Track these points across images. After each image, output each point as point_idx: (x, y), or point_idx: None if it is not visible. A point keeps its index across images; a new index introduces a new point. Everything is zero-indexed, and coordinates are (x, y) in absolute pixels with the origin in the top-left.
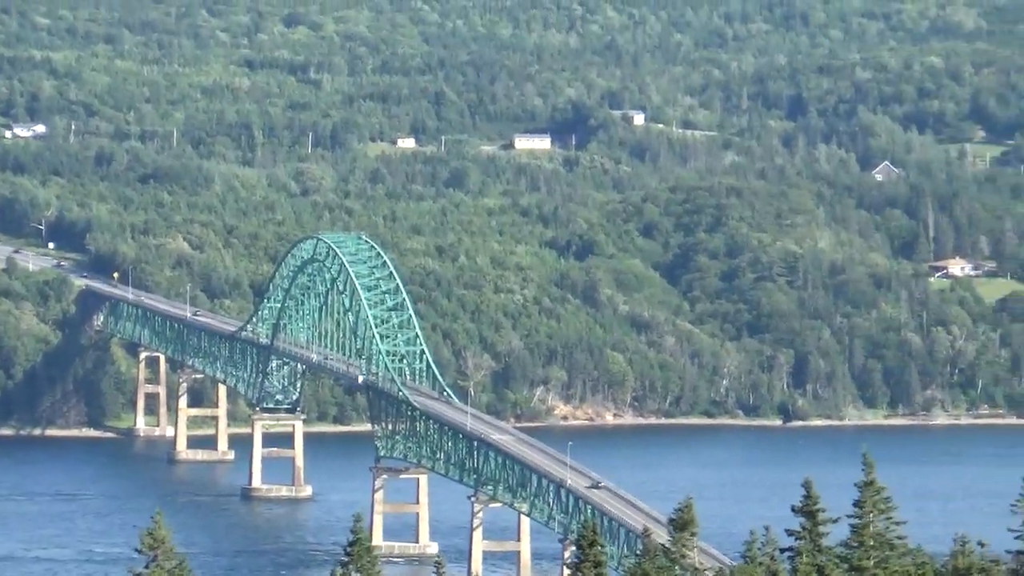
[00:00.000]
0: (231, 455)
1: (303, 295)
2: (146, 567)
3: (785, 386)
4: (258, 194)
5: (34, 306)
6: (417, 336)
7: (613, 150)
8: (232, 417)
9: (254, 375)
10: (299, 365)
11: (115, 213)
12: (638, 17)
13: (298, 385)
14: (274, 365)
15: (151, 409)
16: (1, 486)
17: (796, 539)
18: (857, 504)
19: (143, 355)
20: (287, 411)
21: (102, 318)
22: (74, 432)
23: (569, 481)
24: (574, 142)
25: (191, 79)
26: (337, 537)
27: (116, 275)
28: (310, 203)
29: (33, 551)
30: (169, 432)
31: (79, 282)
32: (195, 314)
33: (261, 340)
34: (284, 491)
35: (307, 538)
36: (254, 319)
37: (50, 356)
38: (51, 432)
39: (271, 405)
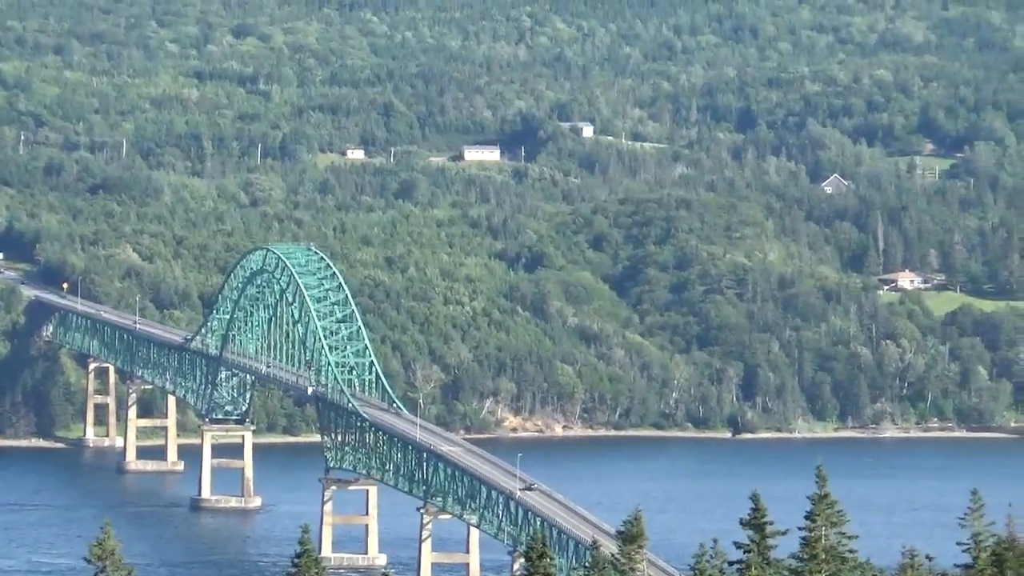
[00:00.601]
0: (181, 466)
1: (252, 306)
2: None
3: (734, 399)
4: (207, 205)
5: None
6: (366, 347)
7: (562, 162)
8: (181, 428)
9: (203, 386)
10: (248, 376)
11: (64, 223)
12: (587, 29)
13: (247, 396)
14: (223, 376)
15: (100, 419)
16: None
17: (745, 552)
18: (809, 516)
19: (92, 366)
20: (236, 422)
21: (51, 328)
22: (23, 442)
23: (518, 493)
24: (523, 154)
25: (140, 90)
26: (286, 548)
27: (66, 286)
28: (259, 214)
29: None
30: (118, 443)
31: (28, 293)
32: (135, 323)
33: (210, 351)
34: (233, 502)
35: (256, 549)
36: (203, 330)
37: None
38: (0, 442)
39: (220, 416)
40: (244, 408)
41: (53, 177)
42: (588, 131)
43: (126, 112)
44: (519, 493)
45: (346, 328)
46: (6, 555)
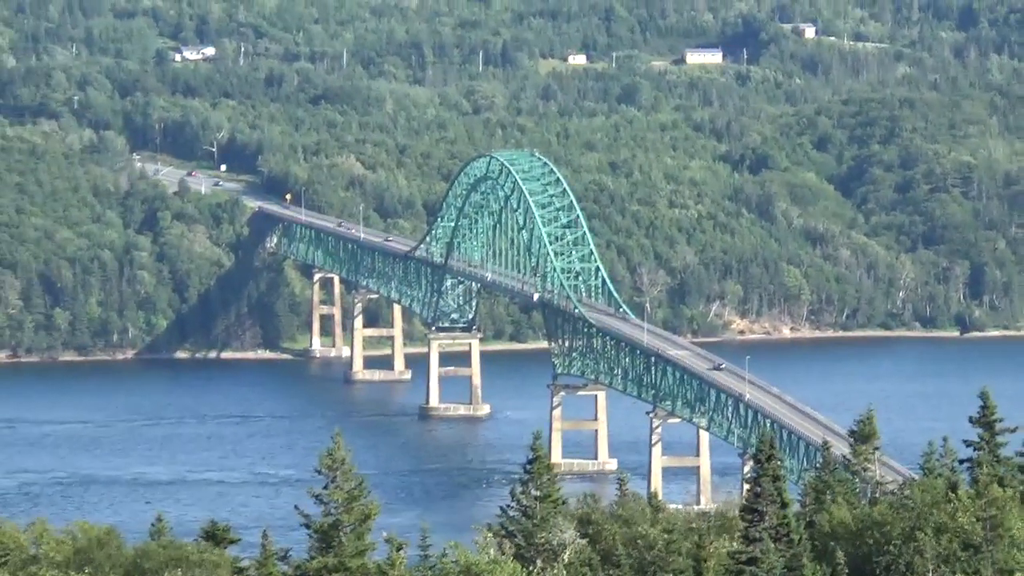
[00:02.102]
0: (408, 374)
1: (476, 213)
2: (325, 487)
3: (961, 297)
4: (429, 113)
5: (207, 229)
6: (592, 253)
7: (785, 64)
8: (408, 337)
9: (429, 295)
10: (474, 284)
11: (286, 134)
12: None
13: (473, 304)
14: (449, 284)
15: (326, 330)
16: (176, 409)
17: (975, 450)
18: None
19: (317, 276)
20: (463, 330)
21: (275, 240)
22: (250, 354)
23: (748, 396)
24: (745, 56)
25: None
26: (516, 455)
27: (289, 196)
28: (482, 121)
29: (206, 473)
30: (345, 353)
31: (252, 204)
32: (339, 225)
33: (435, 259)
34: (462, 410)
35: (485, 456)
36: (428, 238)
37: (224, 279)
38: (226, 355)
39: (447, 324)
40: (470, 316)
41: (274, 88)
42: (810, 32)
43: (345, 22)
44: (718, 374)
45: (571, 233)
46: (232, 467)
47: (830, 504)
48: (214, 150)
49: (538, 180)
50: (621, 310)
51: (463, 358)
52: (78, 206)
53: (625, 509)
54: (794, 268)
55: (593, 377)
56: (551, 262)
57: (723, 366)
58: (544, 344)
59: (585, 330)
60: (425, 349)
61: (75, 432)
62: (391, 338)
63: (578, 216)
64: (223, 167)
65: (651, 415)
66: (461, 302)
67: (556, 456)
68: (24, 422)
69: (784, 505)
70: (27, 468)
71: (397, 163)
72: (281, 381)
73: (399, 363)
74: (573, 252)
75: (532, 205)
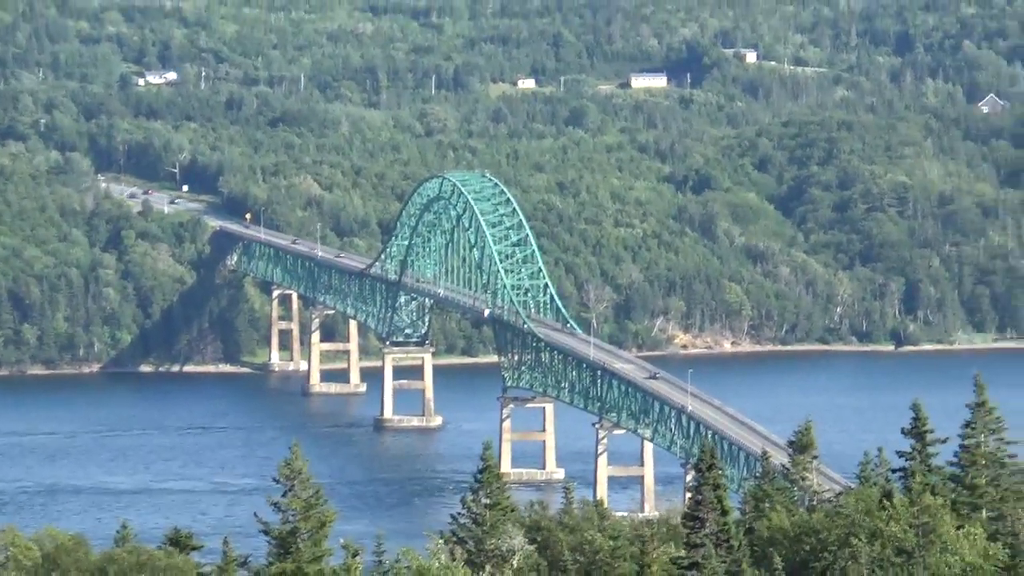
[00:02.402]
0: (363, 387)
1: (430, 232)
2: (283, 496)
3: (897, 312)
4: (384, 135)
5: (170, 247)
6: (540, 270)
7: (727, 87)
8: (363, 351)
9: (384, 310)
10: (427, 300)
11: (246, 156)
12: None
13: (426, 319)
14: (403, 300)
15: (285, 344)
16: (139, 421)
17: (907, 460)
18: (968, 424)
19: (276, 293)
20: (416, 344)
21: (235, 258)
22: (210, 368)
23: (690, 407)
24: (689, 81)
25: (316, 25)
26: (467, 465)
27: (248, 216)
28: (434, 143)
29: (168, 482)
30: (303, 366)
31: (213, 223)
32: (293, 242)
33: (390, 276)
34: (415, 421)
35: (438, 466)
36: (382, 256)
37: (186, 295)
38: (188, 368)
39: (401, 339)
40: (423, 331)
41: (234, 111)
42: (751, 57)
43: (303, 47)
44: (659, 385)
45: (520, 251)
46: (192, 476)
47: (769, 511)
48: (176, 171)
49: (489, 200)
50: (568, 325)
51: (416, 371)
52: (45, 225)
53: (571, 516)
54: (735, 285)
55: (541, 390)
56: (501, 279)
57: (658, 375)
58: (495, 358)
59: (534, 344)
60: (379, 363)
61: (42, 443)
62: (347, 352)
63: (527, 235)
64: (185, 187)
65: (597, 426)
66: (415, 317)
67: (505, 466)
68: None
69: (724, 512)
70: None
71: (353, 183)
72: (241, 394)
73: (355, 376)
74: (522, 269)
75: (483, 224)
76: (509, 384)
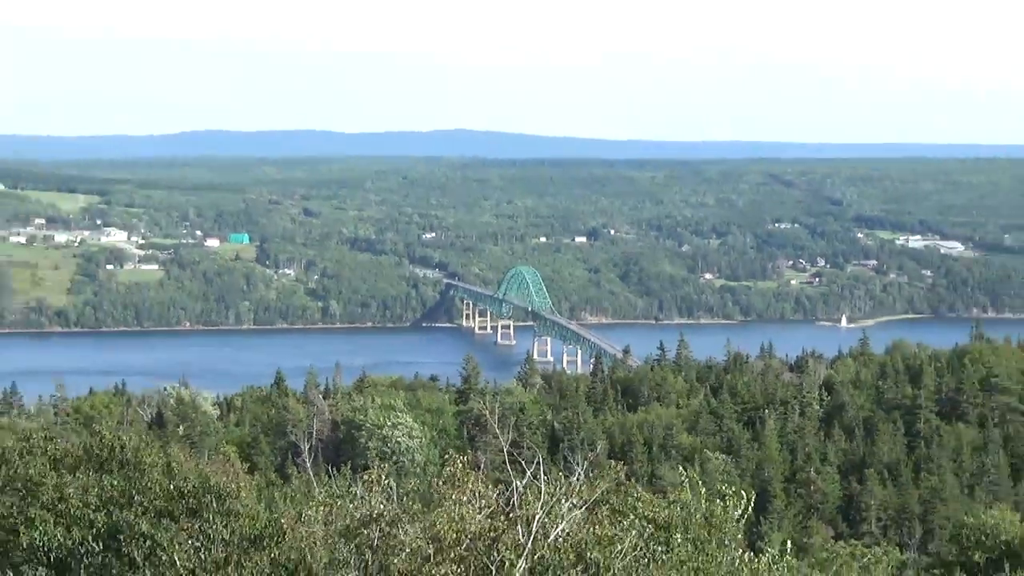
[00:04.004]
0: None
1: (512, 282)
2: (465, 378)
3: None
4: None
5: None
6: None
7: None
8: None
9: (503, 307)
10: (513, 304)
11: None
12: None
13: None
14: (505, 307)
15: (476, 320)
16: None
17: None
18: None
19: (467, 302)
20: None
21: (458, 292)
22: (446, 325)
23: None
24: None
25: None
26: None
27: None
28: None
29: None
30: (490, 330)
31: (445, 279)
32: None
33: (502, 296)
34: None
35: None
36: (501, 290)
37: (436, 304)
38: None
39: (510, 315)
40: (510, 313)
41: None
42: None
43: None
44: None
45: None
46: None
47: None
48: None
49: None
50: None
51: (507, 330)
52: None
53: None
54: None
55: (545, 336)
56: (532, 300)
57: None
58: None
59: (544, 321)
60: (502, 327)
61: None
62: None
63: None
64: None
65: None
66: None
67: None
68: None
69: None
70: None
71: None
72: (464, 343)
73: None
74: (537, 299)
75: (530, 284)
76: (539, 335)
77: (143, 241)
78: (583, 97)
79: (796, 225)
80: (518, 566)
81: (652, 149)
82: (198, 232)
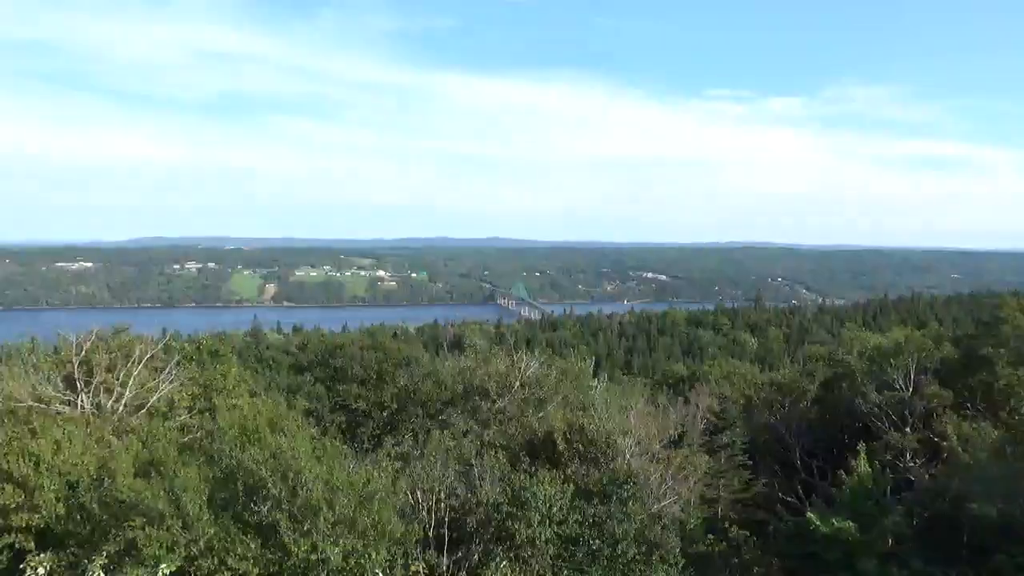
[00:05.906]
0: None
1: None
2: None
3: None
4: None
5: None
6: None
7: None
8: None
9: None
10: (522, 297)
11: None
12: None
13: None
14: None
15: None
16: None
17: None
18: None
19: (506, 296)
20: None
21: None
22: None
23: None
24: None
25: None
26: None
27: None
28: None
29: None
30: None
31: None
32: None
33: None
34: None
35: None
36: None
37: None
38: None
39: (530, 301)
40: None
41: None
42: None
43: None
44: None
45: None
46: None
47: None
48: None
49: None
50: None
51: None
52: None
53: None
54: None
55: (532, 301)
56: (523, 295)
57: None
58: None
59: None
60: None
61: None
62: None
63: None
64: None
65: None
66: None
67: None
68: None
69: None
70: None
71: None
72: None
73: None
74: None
75: (524, 292)
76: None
77: None
78: None
79: None
80: (515, 383)
81: None
82: None
